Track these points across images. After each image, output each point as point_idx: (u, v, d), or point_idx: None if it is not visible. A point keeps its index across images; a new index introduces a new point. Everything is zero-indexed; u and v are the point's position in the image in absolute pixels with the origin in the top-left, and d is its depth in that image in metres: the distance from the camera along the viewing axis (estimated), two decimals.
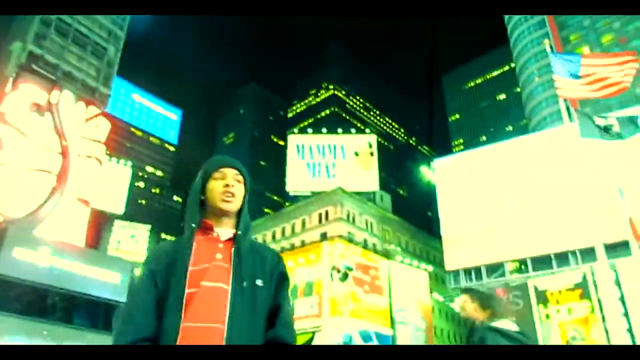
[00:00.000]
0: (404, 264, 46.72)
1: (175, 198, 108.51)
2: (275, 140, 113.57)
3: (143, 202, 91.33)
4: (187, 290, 1.66)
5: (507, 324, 3.48)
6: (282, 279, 1.82)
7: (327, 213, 48.24)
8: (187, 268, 1.70)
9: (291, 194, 56.32)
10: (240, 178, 1.88)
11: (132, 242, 61.90)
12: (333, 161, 53.47)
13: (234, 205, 1.84)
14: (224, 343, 1.57)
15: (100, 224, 41.04)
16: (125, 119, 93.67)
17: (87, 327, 26.75)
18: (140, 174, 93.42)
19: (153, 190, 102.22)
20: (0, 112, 35.94)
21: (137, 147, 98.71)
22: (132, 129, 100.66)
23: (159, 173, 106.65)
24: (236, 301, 1.66)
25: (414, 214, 58.57)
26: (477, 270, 36.84)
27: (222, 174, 1.85)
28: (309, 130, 60.13)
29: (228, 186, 1.83)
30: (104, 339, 24.76)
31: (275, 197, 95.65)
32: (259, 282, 1.73)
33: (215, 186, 1.84)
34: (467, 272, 37.50)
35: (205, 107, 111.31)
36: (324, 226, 47.32)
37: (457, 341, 54.89)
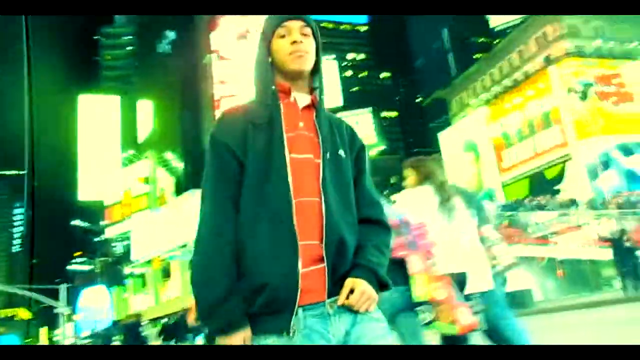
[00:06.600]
0: None
1: (383, 75, 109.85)
2: None
3: (356, 89, 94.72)
4: (288, 158, 1.46)
5: None
6: (362, 150, 1.65)
7: (544, 34, 43.35)
8: (284, 135, 1.49)
9: (497, 29, 51.82)
10: (308, 30, 1.58)
11: (358, 128, 65.41)
12: None
13: (308, 63, 1.57)
14: (324, 215, 1.43)
15: None
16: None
17: None
18: (344, 63, 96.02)
19: (360, 75, 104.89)
20: (214, 50, 40.87)
21: (332, 39, 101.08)
22: (322, 24, 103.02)
23: (361, 56, 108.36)
24: (325, 172, 1.48)
25: None
26: None
27: (286, 29, 1.56)
28: None
29: (296, 42, 1.54)
30: None
31: (480, 39, 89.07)
32: (341, 153, 1.55)
33: (281, 45, 1.56)
34: None
35: None
36: (545, 49, 42.83)
37: None
